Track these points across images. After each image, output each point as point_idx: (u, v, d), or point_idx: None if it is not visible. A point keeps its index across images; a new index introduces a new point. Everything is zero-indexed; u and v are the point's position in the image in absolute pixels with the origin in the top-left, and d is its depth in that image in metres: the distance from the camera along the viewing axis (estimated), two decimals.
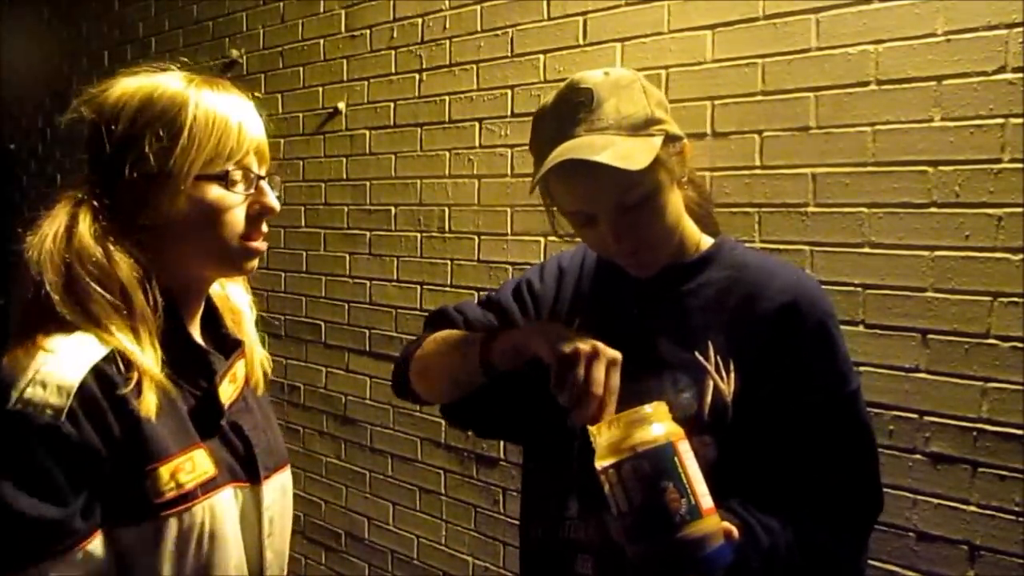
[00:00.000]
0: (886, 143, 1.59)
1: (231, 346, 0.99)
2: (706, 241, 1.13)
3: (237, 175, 0.89)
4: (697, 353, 1.03)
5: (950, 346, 1.53)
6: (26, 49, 4.14)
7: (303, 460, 2.81)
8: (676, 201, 1.06)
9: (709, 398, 1.01)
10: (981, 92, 1.49)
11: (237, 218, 0.90)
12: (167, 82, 0.89)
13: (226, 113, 0.89)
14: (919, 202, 1.56)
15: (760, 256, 1.14)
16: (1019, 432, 1.47)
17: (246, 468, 0.93)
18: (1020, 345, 1.47)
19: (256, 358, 1.03)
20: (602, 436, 0.86)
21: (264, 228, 0.95)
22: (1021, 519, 1.47)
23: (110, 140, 0.86)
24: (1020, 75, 1.45)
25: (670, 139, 1.05)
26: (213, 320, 1.00)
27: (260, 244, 0.94)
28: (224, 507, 0.88)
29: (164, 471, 0.82)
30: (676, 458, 0.82)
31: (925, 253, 1.56)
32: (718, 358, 1.02)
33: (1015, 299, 1.47)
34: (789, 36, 1.70)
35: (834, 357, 1.04)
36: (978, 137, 1.49)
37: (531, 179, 1.04)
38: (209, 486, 0.86)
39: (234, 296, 1.05)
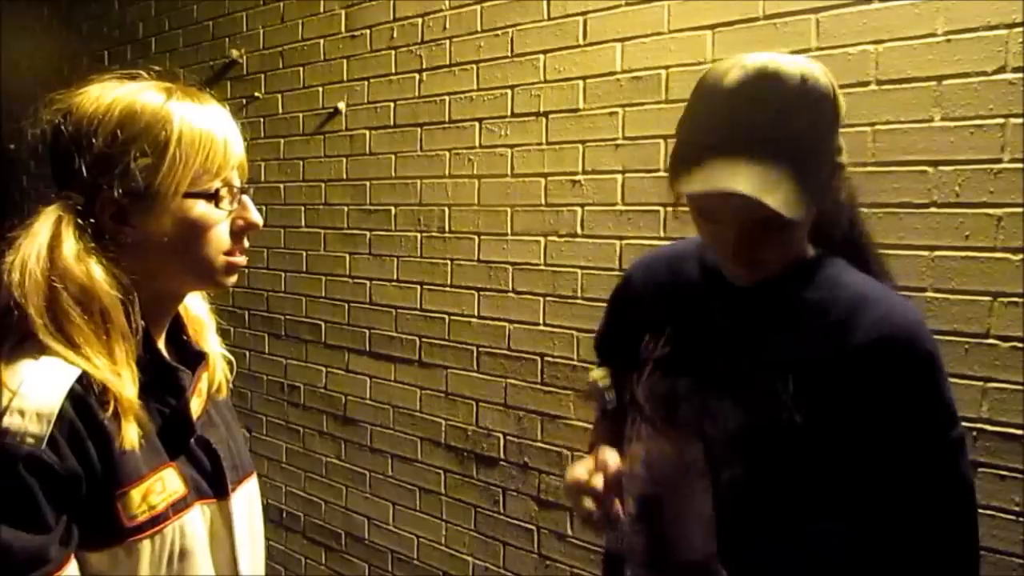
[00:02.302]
0: (886, 143, 1.59)
1: (195, 359, 0.96)
2: (809, 252, 1.04)
3: (224, 191, 0.88)
4: (777, 381, 0.95)
5: (950, 346, 1.53)
6: (26, 49, 4.14)
7: (303, 460, 2.81)
8: (805, 225, 0.98)
9: (780, 427, 0.94)
10: (981, 92, 1.49)
11: (222, 234, 0.89)
12: (146, 94, 0.86)
13: (211, 128, 0.87)
14: (919, 202, 1.56)
15: (858, 279, 1.02)
16: (1019, 432, 1.47)
17: (213, 484, 0.91)
18: (1020, 345, 1.47)
19: (218, 368, 1.01)
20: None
21: (246, 243, 0.93)
22: (1021, 519, 1.47)
23: (88, 155, 0.83)
24: (1020, 75, 1.45)
25: (835, 167, 0.97)
26: (176, 332, 0.98)
27: (242, 259, 0.92)
28: (194, 526, 0.86)
29: (135, 494, 0.81)
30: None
31: (925, 253, 1.56)
32: (794, 388, 0.94)
33: (1015, 299, 1.47)
34: (789, 36, 1.70)
35: (934, 402, 0.93)
36: (978, 137, 1.49)
37: (675, 139, 0.98)
38: (179, 505, 0.85)
39: (194, 307, 1.02)
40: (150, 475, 0.83)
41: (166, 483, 0.85)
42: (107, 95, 0.86)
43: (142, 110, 0.84)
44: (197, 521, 0.87)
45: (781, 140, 0.89)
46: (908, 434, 0.92)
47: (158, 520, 0.83)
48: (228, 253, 0.90)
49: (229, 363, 1.05)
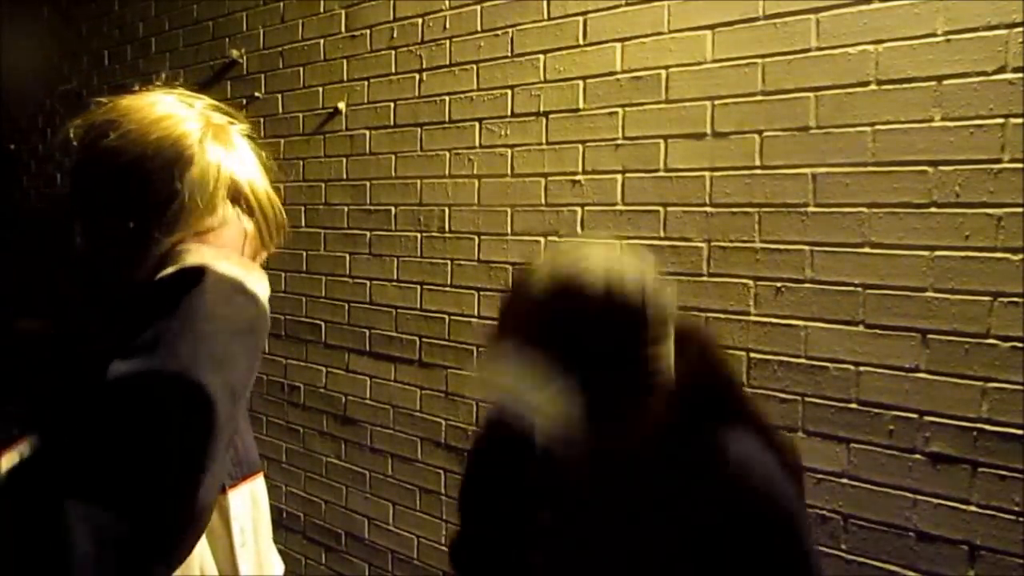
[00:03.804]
0: (886, 143, 1.59)
1: None
2: (670, 418, 1.03)
3: None
4: (651, 536, 0.99)
5: (950, 346, 1.53)
6: (26, 49, 4.14)
7: (303, 460, 2.81)
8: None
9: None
10: (981, 92, 1.49)
11: None
12: (173, 137, 0.81)
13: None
14: (919, 202, 1.56)
15: (717, 439, 1.01)
16: (1019, 432, 1.47)
17: None
18: (1020, 345, 1.47)
19: None
20: None
21: None
22: (1021, 519, 1.47)
23: (94, 180, 0.81)
24: (1020, 75, 1.45)
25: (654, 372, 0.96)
26: None
27: None
28: None
29: None
30: None
31: (925, 253, 1.56)
32: (669, 540, 0.98)
33: (1015, 299, 1.47)
34: (789, 36, 1.70)
35: (790, 561, 0.95)
36: (978, 137, 1.49)
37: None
38: None
39: None
40: None
41: None
42: (136, 126, 0.82)
43: (158, 156, 0.80)
44: None
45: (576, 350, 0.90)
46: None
47: None
48: None
49: None
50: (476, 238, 2.29)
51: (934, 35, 1.53)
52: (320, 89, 2.70)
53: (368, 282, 2.59)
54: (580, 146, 2.05)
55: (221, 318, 0.71)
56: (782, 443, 1.05)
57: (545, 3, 2.11)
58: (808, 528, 1.00)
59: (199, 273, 0.73)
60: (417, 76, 2.42)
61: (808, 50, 1.67)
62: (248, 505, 0.96)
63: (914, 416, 1.58)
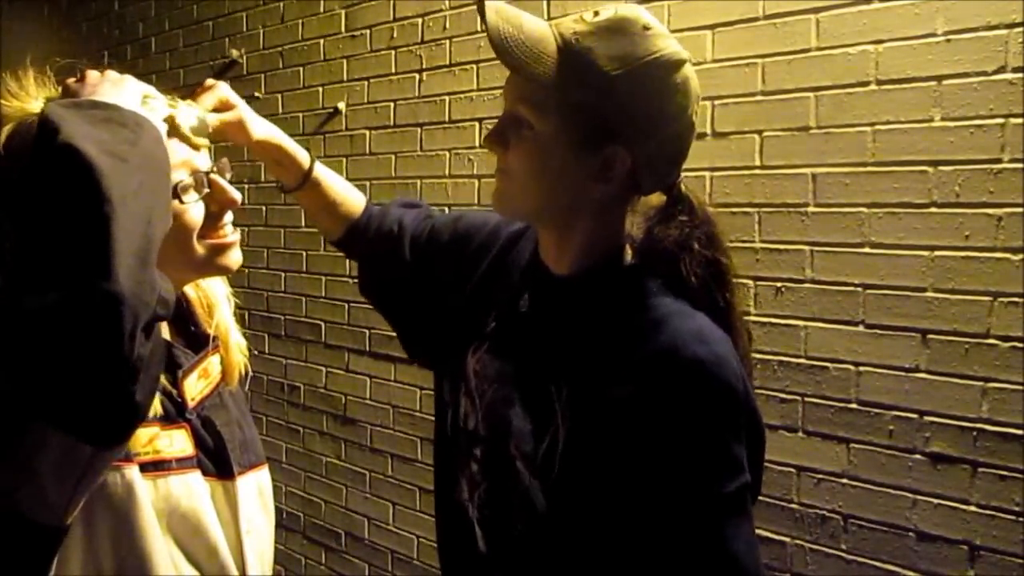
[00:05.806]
0: (886, 143, 1.59)
1: (202, 342, 0.96)
2: (625, 259, 0.95)
3: (188, 180, 0.83)
4: (553, 386, 0.89)
5: (950, 346, 1.53)
6: (26, 49, 4.14)
7: (303, 460, 2.81)
8: (561, 172, 0.90)
9: (547, 443, 0.87)
10: (981, 92, 1.49)
11: (190, 222, 0.84)
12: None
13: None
14: (919, 202, 1.56)
15: (668, 303, 0.90)
16: (1019, 432, 1.47)
17: (217, 464, 0.91)
18: (1020, 345, 1.46)
19: (233, 351, 1.00)
20: None
21: (227, 218, 0.89)
22: (1021, 519, 1.47)
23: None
24: (1020, 75, 1.45)
25: (602, 117, 0.86)
26: (183, 316, 0.97)
27: (228, 237, 0.89)
28: (200, 489, 0.87)
29: (142, 433, 0.81)
30: None
31: (925, 253, 1.56)
32: (568, 398, 0.87)
33: (1015, 299, 1.47)
34: (789, 36, 1.70)
35: (701, 447, 0.82)
36: (978, 137, 1.49)
37: None
38: (186, 463, 0.86)
39: (210, 288, 1.00)
40: (158, 424, 0.84)
41: (174, 440, 0.86)
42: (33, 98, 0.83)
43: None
44: (204, 488, 0.87)
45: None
46: (664, 480, 0.82)
47: (161, 466, 0.83)
48: (205, 236, 0.86)
49: (244, 353, 1.04)
50: None
51: (934, 35, 1.53)
52: (320, 89, 2.70)
53: None
54: None
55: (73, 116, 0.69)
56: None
57: (545, 3, 2.11)
58: (736, 432, 0.84)
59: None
60: (417, 76, 2.42)
61: (808, 50, 1.67)
62: (255, 494, 0.97)
63: (914, 416, 1.58)
